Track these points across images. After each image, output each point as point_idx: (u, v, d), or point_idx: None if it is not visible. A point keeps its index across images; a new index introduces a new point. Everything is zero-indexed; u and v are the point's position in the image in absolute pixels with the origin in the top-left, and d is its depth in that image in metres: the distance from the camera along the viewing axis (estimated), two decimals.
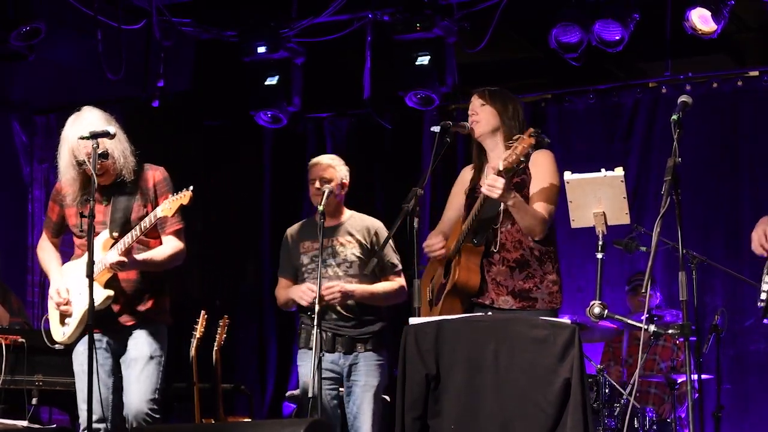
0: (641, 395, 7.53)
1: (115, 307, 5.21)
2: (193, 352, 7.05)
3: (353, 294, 5.81)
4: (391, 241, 5.58)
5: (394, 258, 5.97)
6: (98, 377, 5.11)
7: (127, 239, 5.10)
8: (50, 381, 6.36)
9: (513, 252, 5.04)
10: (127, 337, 5.26)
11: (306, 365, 5.85)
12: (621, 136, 8.57)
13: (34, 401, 6.30)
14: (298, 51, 8.14)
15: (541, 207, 4.99)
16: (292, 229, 6.12)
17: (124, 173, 5.22)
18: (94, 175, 4.99)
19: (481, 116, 5.17)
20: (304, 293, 5.81)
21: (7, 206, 8.76)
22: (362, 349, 5.86)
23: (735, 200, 8.18)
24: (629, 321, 5.16)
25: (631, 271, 7.99)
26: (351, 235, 5.93)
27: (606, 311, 4.54)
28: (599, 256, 4.74)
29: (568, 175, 4.79)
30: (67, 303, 5.23)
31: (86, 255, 4.97)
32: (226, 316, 7.29)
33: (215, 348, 7.18)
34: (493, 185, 4.80)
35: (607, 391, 6.85)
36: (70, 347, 5.33)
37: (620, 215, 4.77)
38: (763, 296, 4.60)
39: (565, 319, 5.03)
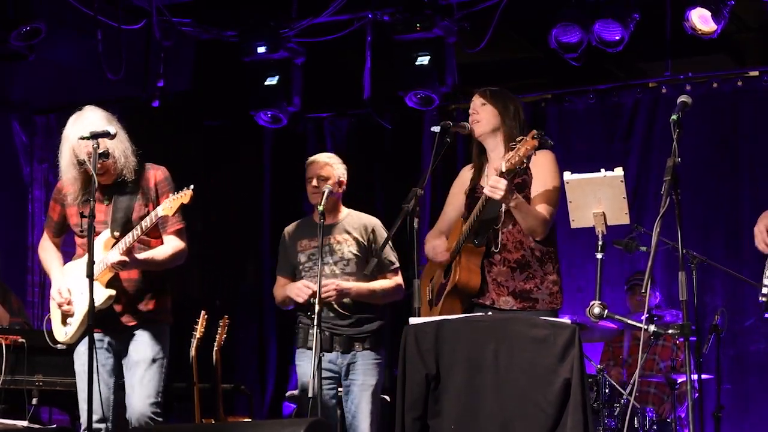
0: (641, 395, 7.53)
1: (117, 307, 5.22)
2: (193, 352, 7.05)
3: (349, 292, 5.81)
4: None
5: (391, 256, 5.96)
6: (100, 377, 5.12)
7: (128, 239, 5.11)
8: (50, 381, 6.36)
9: (514, 252, 5.04)
10: (129, 338, 5.26)
11: (304, 365, 5.86)
12: (621, 136, 8.57)
13: (34, 401, 6.30)
14: (298, 51, 8.15)
15: (542, 208, 4.99)
16: (289, 228, 6.13)
17: (125, 173, 5.23)
18: (95, 175, 4.99)
19: (482, 116, 5.17)
20: (300, 290, 5.81)
21: (7, 206, 8.76)
22: (360, 348, 5.85)
23: (735, 200, 8.18)
24: (629, 321, 5.16)
25: (631, 271, 7.99)
26: (348, 233, 5.93)
27: (606, 311, 4.54)
28: (599, 256, 4.74)
29: (567, 176, 4.79)
30: (69, 303, 5.24)
31: (87, 255, 4.97)
32: (226, 316, 7.29)
33: (215, 348, 7.18)
34: (495, 186, 4.80)
35: (607, 391, 6.85)
36: (72, 347, 5.33)
37: (620, 215, 4.77)
38: (764, 290, 4.61)
39: (565, 319, 5.03)
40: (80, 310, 5.18)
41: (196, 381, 7.07)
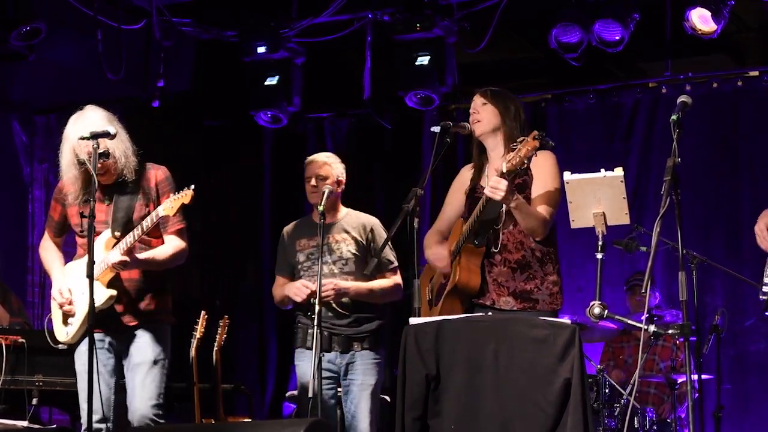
0: (641, 395, 7.53)
1: (118, 307, 5.21)
2: (193, 352, 7.05)
3: (348, 291, 5.81)
4: None
5: (390, 255, 5.96)
6: (101, 377, 5.11)
7: (129, 239, 5.10)
8: (50, 381, 6.36)
9: (515, 253, 5.04)
10: (130, 338, 5.26)
11: (303, 365, 5.86)
12: (621, 136, 8.57)
13: (34, 401, 6.30)
14: (298, 51, 8.15)
15: (542, 209, 4.99)
16: (288, 228, 6.13)
17: (126, 173, 5.23)
18: (95, 175, 4.99)
19: (483, 115, 5.17)
20: (298, 290, 5.81)
21: (7, 206, 8.76)
22: (359, 348, 5.85)
23: (735, 200, 8.18)
24: (629, 321, 5.16)
25: (631, 271, 7.99)
26: (347, 232, 5.93)
27: (606, 311, 4.54)
28: (599, 256, 4.74)
29: (567, 176, 4.79)
30: (70, 303, 5.23)
31: (87, 255, 4.96)
32: (226, 316, 7.29)
33: (215, 348, 7.18)
34: (496, 187, 4.80)
35: (607, 391, 6.85)
36: (73, 347, 5.33)
37: (620, 215, 4.77)
38: (765, 289, 4.61)
39: (565, 320, 5.03)
40: (81, 310, 5.18)
41: (196, 381, 7.07)
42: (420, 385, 4.51)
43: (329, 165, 5.97)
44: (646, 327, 4.64)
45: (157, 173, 5.32)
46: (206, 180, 8.40)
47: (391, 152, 9.18)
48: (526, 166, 4.80)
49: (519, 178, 5.00)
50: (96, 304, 4.97)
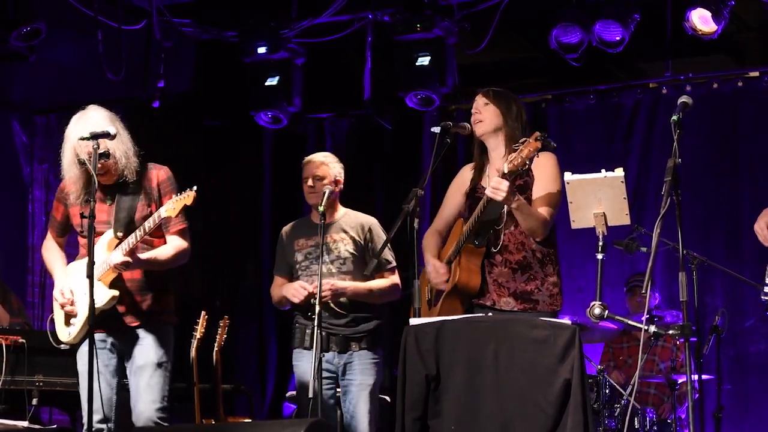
0: (641, 396, 7.53)
1: (121, 308, 5.21)
2: (193, 352, 7.05)
3: (345, 291, 5.80)
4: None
5: (388, 255, 5.95)
6: (102, 377, 5.11)
7: (132, 239, 5.10)
8: (51, 381, 6.36)
9: (516, 254, 5.05)
10: (133, 339, 5.24)
11: (301, 365, 5.86)
12: (621, 136, 8.57)
13: (34, 402, 6.30)
14: (298, 51, 8.15)
15: (543, 210, 5.00)
16: (286, 228, 6.13)
17: (127, 173, 5.22)
18: (95, 176, 4.98)
19: (485, 115, 5.17)
20: (296, 291, 5.81)
21: (7, 206, 8.76)
22: (357, 348, 5.85)
23: (735, 200, 8.18)
24: (629, 322, 5.16)
25: (631, 271, 7.99)
26: (345, 232, 5.92)
27: (606, 312, 4.54)
28: (599, 256, 4.73)
29: (568, 176, 4.79)
30: (72, 303, 5.23)
31: (88, 255, 4.96)
32: (226, 316, 7.30)
33: (215, 348, 7.18)
34: (497, 188, 4.80)
35: (607, 391, 6.85)
36: (75, 347, 5.33)
37: (620, 216, 4.77)
38: (766, 289, 4.61)
39: (566, 320, 5.03)
40: (83, 310, 5.17)
41: (197, 381, 7.07)
42: (420, 385, 4.51)
43: (326, 165, 5.96)
44: (646, 327, 4.64)
45: (158, 173, 5.32)
46: (206, 180, 8.35)
47: (391, 153, 9.17)
48: (527, 167, 4.80)
49: (520, 179, 5.00)
50: (98, 305, 4.97)
